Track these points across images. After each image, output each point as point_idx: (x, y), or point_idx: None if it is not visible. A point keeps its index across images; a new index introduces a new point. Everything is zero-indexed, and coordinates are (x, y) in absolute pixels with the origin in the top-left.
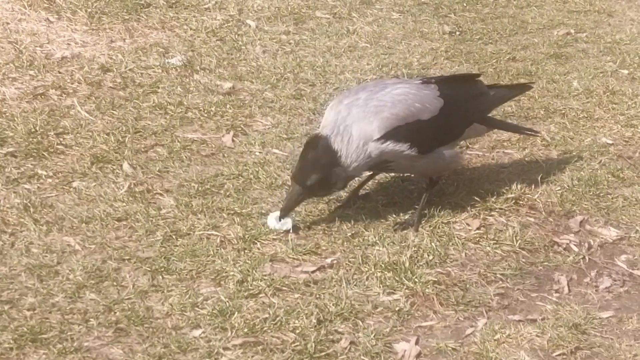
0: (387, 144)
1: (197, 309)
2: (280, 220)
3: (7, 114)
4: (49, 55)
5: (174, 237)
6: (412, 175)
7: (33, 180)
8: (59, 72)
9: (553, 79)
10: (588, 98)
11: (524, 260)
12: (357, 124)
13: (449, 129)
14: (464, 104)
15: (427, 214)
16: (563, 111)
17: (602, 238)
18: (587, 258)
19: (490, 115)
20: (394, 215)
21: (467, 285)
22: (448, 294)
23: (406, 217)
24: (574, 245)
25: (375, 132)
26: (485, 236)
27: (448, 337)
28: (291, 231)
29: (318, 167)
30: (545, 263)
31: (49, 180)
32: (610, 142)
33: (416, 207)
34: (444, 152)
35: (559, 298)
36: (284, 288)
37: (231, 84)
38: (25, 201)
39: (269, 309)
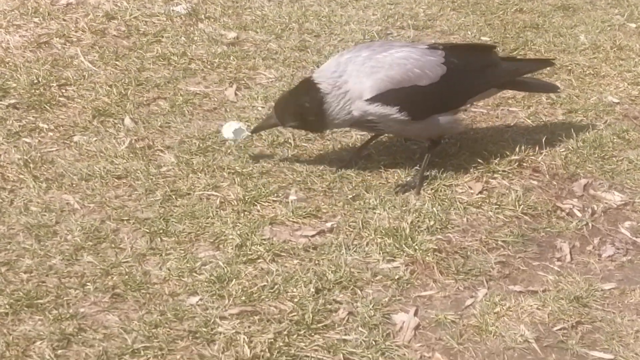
0: (375, 105)
1: (194, 274)
2: (233, 130)
3: (10, 64)
4: (54, 1)
5: (173, 197)
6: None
7: (34, 133)
8: (64, 20)
9: (560, 33)
10: (595, 53)
11: (526, 226)
12: (350, 81)
13: (448, 98)
14: (470, 74)
15: (429, 176)
16: (569, 67)
17: (606, 203)
18: (590, 225)
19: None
20: (396, 177)
21: (468, 253)
22: (448, 262)
23: (408, 178)
24: (578, 210)
25: (366, 92)
26: (487, 200)
27: (447, 308)
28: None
29: (298, 112)
30: (548, 229)
31: (50, 133)
32: (617, 101)
33: (418, 168)
34: (439, 118)
35: (560, 267)
36: (282, 254)
37: (235, 34)
38: (25, 157)
39: (267, 276)
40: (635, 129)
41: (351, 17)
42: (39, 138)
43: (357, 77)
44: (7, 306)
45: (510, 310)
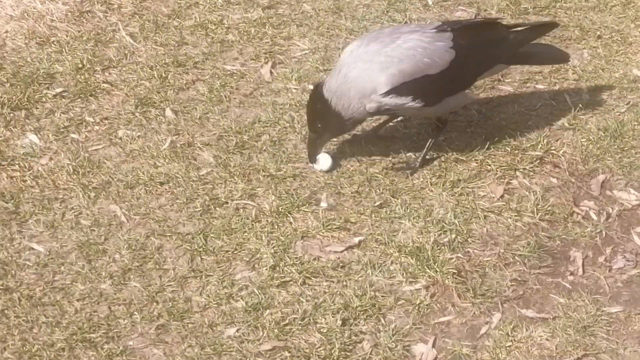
0: (390, 97)
1: (232, 301)
2: (318, 163)
3: (54, 43)
4: None
5: (212, 206)
6: None
7: (81, 128)
8: None
9: None
10: (625, 10)
11: (543, 233)
12: (360, 79)
13: (458, 81)
14: (479, 53)
15: (452, 175)
16: (598, 31)
17: (621, 204)
18: (604, 232)
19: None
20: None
21: (486, 269)
22: (467, 284)
23: (409, 154)
24: (593, 213)
25: (382, 86)
26: (507, 205)
27: (464, 336)
28: (328, 169)
29: (321, 116)
30: (564, 236)
31: (96, 127)
32: None
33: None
34: (450, 99)
35: (572, 283)
36: (312, 276)
37: None
38: (74, 162)
39: (297, 304)
40: None
41: None
42: (86, 133)
43: (368, 74)
44: (64, 341)
45: (521, 342)
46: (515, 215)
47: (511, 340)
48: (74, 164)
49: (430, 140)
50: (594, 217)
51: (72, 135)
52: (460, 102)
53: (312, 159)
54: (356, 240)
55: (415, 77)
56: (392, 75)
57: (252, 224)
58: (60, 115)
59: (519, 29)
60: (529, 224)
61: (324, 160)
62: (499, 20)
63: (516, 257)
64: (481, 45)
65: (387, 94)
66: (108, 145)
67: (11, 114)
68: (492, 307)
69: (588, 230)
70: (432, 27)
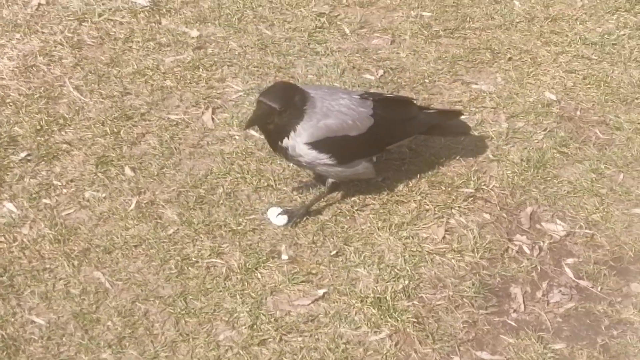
0: (312, 151)
1: None
2: (277, 217)
3: (10, 104)
4: (26, 3)
5: (185, 267)
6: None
7: (51, 192)
8: (42, 32)
9: (495, 0)
10: (530, 26)
11: (484, 272)
12: (315, 115)
13: (372, 146)
14: (392, 126)
15: (396, 219)
16: (508, 52)
17: (550, 236)
18: (538, 267)
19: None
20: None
21: (439, 313)
22: (425, 331)
23: (294, 206)
24: (526, 247)
25: (305, 137)
26: (450, 246)
27: None
28: (288, 225)
29: (291, 97)
30: (503, 273)
31: (64, 190)
32: (554, 97)
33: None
34: (361, 165)
35: (517, 321)
36: (287, 333)
37: (197, 32)
38: (53, 232)
39: None
40: (572, 137)
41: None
42: (56, 197)
43: (312, 117)
44: None
45: None
46: (458, 256)
47: None
48: (53, 232)
49: (320, 193)
50: (527, 251)
51: (44, 200)
52: (365, 169)
53: (248, 126)
54: (320, 292)
55: (337, 135)
56: (319, 128)
57: (224, 282)
58: (29, 180)
59: (430, 111)
60: (470, 263)
61: (281, 217)
62: (413, 100)
63: (464, 299)
64: (396, 120)
65: (310, 145)
66: (78, 209)
67: None
68: (450, 350)
69: (524, 266)
70: (357, 94)
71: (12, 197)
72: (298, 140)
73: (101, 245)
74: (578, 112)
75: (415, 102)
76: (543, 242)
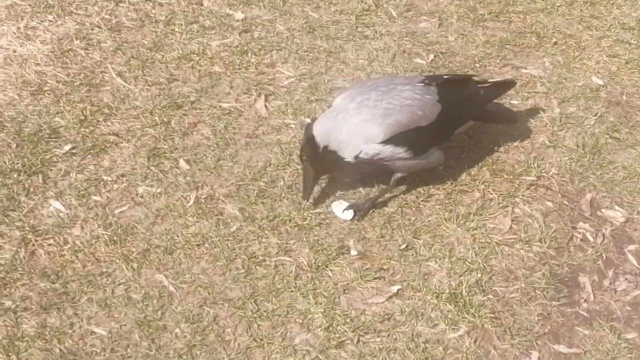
0: (387, 147)
1: None
2: (343, 212)
3: (49, 93)
4: None
5: (252, 266)
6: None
7: (100, 188)
8: (76, 14)
9: None
10: (570, 10)
11: (552, 262)
12: (362, 125)
13: (443, 132)
14: (458, 108)
15: (462, 209)
16: (553, 37)
17: (611, 222)
18: (603, 255)
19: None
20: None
21: (514, 307)
22: (502, 325)
23: (360, 201)
24: (590, 235)
25: (379, 136)
26: (518, 236)
27: None
28: (354, 220)
29: (308, 153)
30: (570, 262)
31: (115, 186)
32: (601, 83)
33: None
34: (433, 153)
35: (588, 311)
36: (364, 333)
37: (242, 15)
38: (109, 232)
39: None
40: (622, 122)
41: None
42: (107, 194)
43: (371, 120)
44: None
45: None
46: (526, 246)
47: None
48: (108, 232)
49: (387, 187)
50: (591, 238)
51: (94, 197)
52: (437, 157)
53: (307, 194)
54: (394, 289)
55: (409, 129)
56: (389, 125)
57: (295, 282)
58: (76, 175)
59: (485, 85)
60: (539, 253)
61: (347, 212)
62: (472, 77)
63: (536, 291)
64: (460, 100)
65: (384, 142)
66: (132, 206)
67: (28, 181)
68: (529, 345)
69: (589, 254)
70: (418, 81)
71: (59, 195)
72: (370, 144)
73: (161, 245)
74: (624, 97)
75: (474, 78)
76: (605, 229)
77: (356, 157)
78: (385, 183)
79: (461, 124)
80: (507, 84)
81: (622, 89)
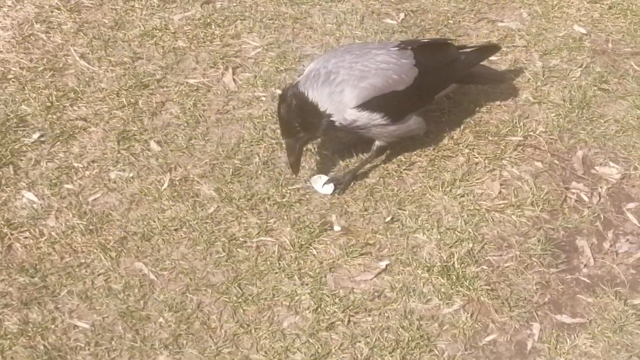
0: (364, 113)
1: (289, 354)
2: (322, 186)
3: (13, 80)
4: None
5: (233, 249)
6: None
7: (72, 176)
8: None
9: None
10: None
11: (547, 226)
12: (344, 83)
13: (421, 97)
14: (437, 72)
15: (447, 175)
16: None
17: (606, 180)
18: (601, 215)
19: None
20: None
21: (510, 277)
22: (499, 297)
23: (339, 174)
24: (584, 195)
25: (353, 100)
26: (508, 200)
27: (513, 354)
28: (335, 194)
29: (303, 116)
30: (566, 225)
31: (87, 173)
32: (584, 31)
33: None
34: (412, 119)
35: (589, 277)
36: (354, 313)
37: None
38: (84, 222)
39: (353, 348)
40: (609, 72)
41: None
42: (79, 181)
43: (348, 81)
44: None
45: (569, 354)
46: (518, 211)
47: (560, 354)
48: (83, 222)
49: (367, 157)
50: (586, 199)
51: (67, 185)
52: (418, 124)
53: (296, 168)
54: (382, 264)
55: (385, 93)
56: (364, 89)
57: (279, 263)
58: (46, 164)
59: (467, 50)
60: (532, 217)
61: (327, 186)
62: (450, 41)
63: (532, 258)
64: (439, 65)
65: (359, 108)
66: (106, 193)
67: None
68: (529, 317)
69: (585, 215)
70: (393, 45)
71: (31, 185)
72: (345, 109)
73: (138, 232)
74: (610, 45)
75: (453, 42)
76: (601, 187)
77: (335, 123)
78: (365, 153)
79: (442, 89)
80: (491, 49)
81: (606, 36)
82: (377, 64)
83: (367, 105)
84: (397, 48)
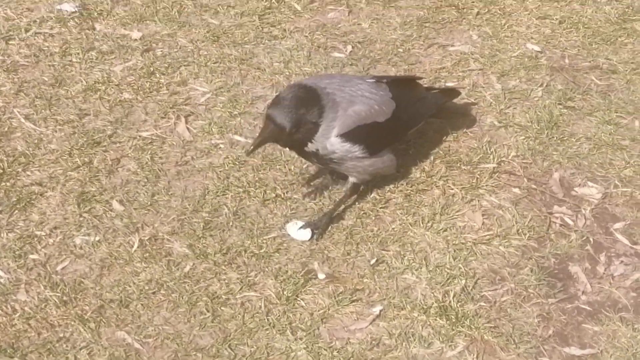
0: (344, 144)
1: None
2: (298, 231)
3: None
4: None
5: (218, 308)
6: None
7: (35, 244)
8: None
9: None
10: None
11: (536, 254)
12: (341, 104)
13: (397, 131)
14: (410, 107)
15: (425, 210)
16: (473, 7)
17: (588, 201)
18: (590, 239)
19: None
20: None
21: (509, 311)
22: (502, 333)
23: (314, 218)
24: (568, 218)
25: (337, 129)
26: (492, 231)
27: None
28: (313, 239)
29: (302, 113)
30: (555, 252)
31: (50, 240)
32: (538, 48)
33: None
34: (386, 155)
35: (589, 304)
36: None
37: (139, 33)
38: (57, 293)
39: None
40: (572, 89)
41: None
42: (44, 250)
43: (339, 105)
44: None
45: None
46: (504, 242)
47: None
48: (56, 293)
49: (342, 199)
50: (570, 222)
51: (31, 256)
52: (390, 161)
53: (253, 150)
54: (375, 310)
55: (367, 123)
56: (348, 116)
57: (267, 318)
58: (7, 235)
59: (433, 91)
60: (519, 247)
61: (303, 232)
62: (418, 79)
63: (529, 290)
64: (412, 100)
65: (341, 137)
66: (74, 260)
67: None
68: (537, 352)
69: (573, 240)
70: (369, 78)
71: None
72: (328, 136)
73: (115, 298)
74: (567, 60)
75: (420, 81)
76: (584, 209)
77: (317, 149)
78: (337, 194)
79: (415, 124)
80: (453, 92)
81: (562, 52)
82: (362, 92)
83: (349, 135)
84: (374, 80)
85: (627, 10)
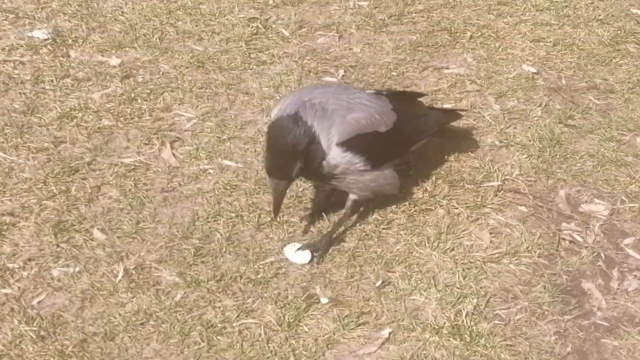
0: (346, 155)
1: None
2: (297, 254)
3: None
4: None
5: (214, 337)
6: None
7: (8, 278)
8: None
9: None
10: (474, 1)
11: (548, 271)
12: (334, 113)
13: (399, 145)
14: (412, 121)
15: (429, 231)
16: (466, 30)
17: (596, 217)
18: (602, 255)
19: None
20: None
21: (524, 329)
22: (518, 351)
23: (314, 239)
24: (578, 235)
25: (336, 136)
26: (501, 249)
27: None
28: (313, 262)
29: (299, 152)
30: (567, 269)
31: (24, 273)
32: (534, 70)
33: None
34: (388, 170)
35: (606, 319)
36: None
37: (118, 60)
38: (33, 328)
39: None
40: (571, 108)
41: (221, 6)
42: (17, 284)
43: (336, 113)
44: None
45: None
46: (514, 260)
47: None
48: (32, 328)
49: (342, 219)
50: (580, 239)
51: (3, 290)
52: (393, 178)
53: (277, 211)
54: (384, 334)
55: (367, 132)
56: (348, 123)
57: (268, 346)
58: None
59: (435, 109)
60: (530, 264)
61: (301, 254)
62: (420, 95)
63: (543, 307)
64: (413, 115)
65: (342, 147)
66: (51, 293)
67: None
68: None
69: (584, 256)
70: (368, 91)
71: None
72: (330, 147)
73: (98, 332)
74: (563, 81)
75: (421, 98)
76: (593, 225)
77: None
78: (337, 216)
79: (417, 140)
80: (456, 113)
81: (558, 73)
82: (360, 99)
83: (350, 144)
84: (372, 93)
85: (619, 32)
